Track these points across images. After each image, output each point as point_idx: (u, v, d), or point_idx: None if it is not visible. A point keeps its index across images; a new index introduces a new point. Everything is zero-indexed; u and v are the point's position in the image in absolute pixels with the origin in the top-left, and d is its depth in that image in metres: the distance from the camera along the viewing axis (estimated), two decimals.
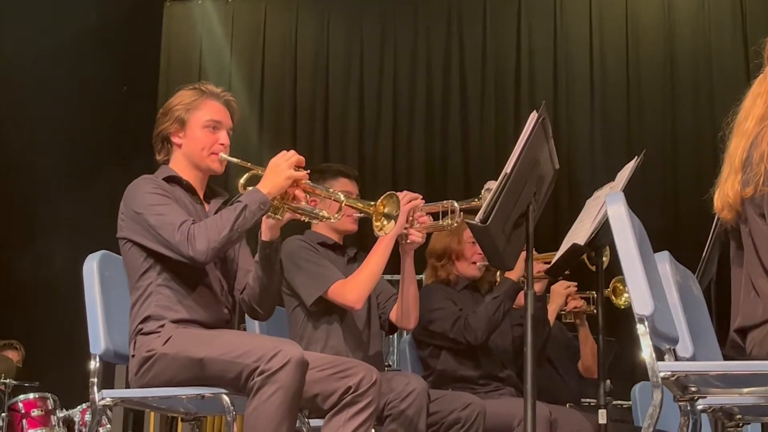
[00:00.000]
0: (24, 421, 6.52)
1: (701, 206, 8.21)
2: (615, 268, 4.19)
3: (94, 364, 3.31)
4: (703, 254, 4.11)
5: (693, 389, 2.84)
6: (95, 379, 3.28)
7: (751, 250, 2.75)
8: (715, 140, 8.27)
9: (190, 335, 3.18)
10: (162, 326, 3.21)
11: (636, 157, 3.66)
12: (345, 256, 4.03)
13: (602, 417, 3.58)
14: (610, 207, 2.82)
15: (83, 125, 8.54)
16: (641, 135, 8.48)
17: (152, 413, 4.98)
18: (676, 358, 2.99)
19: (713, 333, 3.51)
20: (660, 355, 2.84)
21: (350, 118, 8.97)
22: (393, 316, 3.97)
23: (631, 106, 8.60)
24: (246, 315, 3.78)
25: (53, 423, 6.61)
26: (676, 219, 8.19)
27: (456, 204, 3.67)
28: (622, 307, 4.59)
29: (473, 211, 3.78)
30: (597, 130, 8.62)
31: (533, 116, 3.11)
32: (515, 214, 3.18)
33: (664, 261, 3.19)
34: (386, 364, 5.12)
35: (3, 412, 6.45)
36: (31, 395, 6.62)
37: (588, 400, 5.54)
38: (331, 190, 3.40)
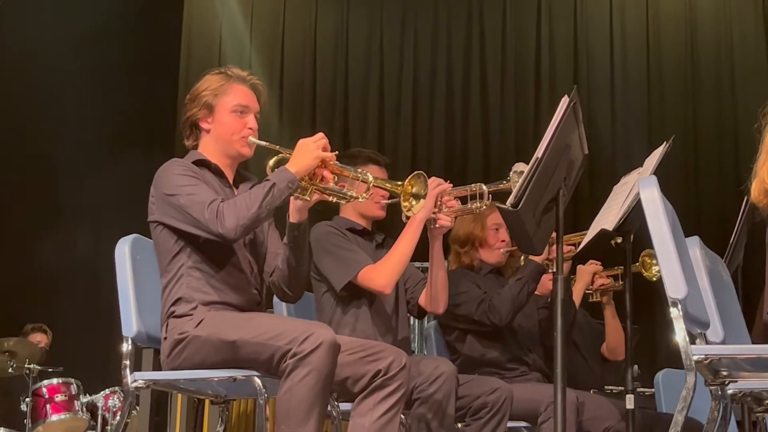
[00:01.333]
0: (48, 405, 6.58)
1: (721, 192, 8.25)
2: (641, 245, 4.20)
3: (126, 347, 3.33)
4: (731, 241, 4.12)
5: (724, 373, 2.85)
6: (127, 362, 3.30)
7: None
8: (737, 126, 8.30)
9: (222, 318, 3.19)
10: (194, 308, 3.23)
11: (665, 143, 3.66)
12: (373, 241, 4.04)
13: (630, 402, 3.59)
14: (643, 191, 2.83)
15: (105, 111, 8.58)
16: (662, 121, 8.49)
17: (179, 396, 5.00)
18: (707, 343, 3.00)
19: (742, 318, 3.52)
20: (691, 339, 2.84)
21: (370, 104, 9.00)
22: (422, 300, 3.97)
23: (651, 93, 8.60)
24: (273, 299, 3.81)
25: (77, 408, 6.66)
26: (698, 203, 8.20)
27: (484, 187, 3.66)
28: (654, 279, 4.56)
29: (501, 194, 3.81)
30: (618, 117, 8.62)
31: (564, 100, 3.11)
32: (545, 199, 3.19)
33: (694, 246, 3.19)
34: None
35: (27, 396, 6.49)
36: (54, 380, 6.68)
37: (611, 387, 5.56)
38: (359, 170, 3.39)
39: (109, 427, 6.68)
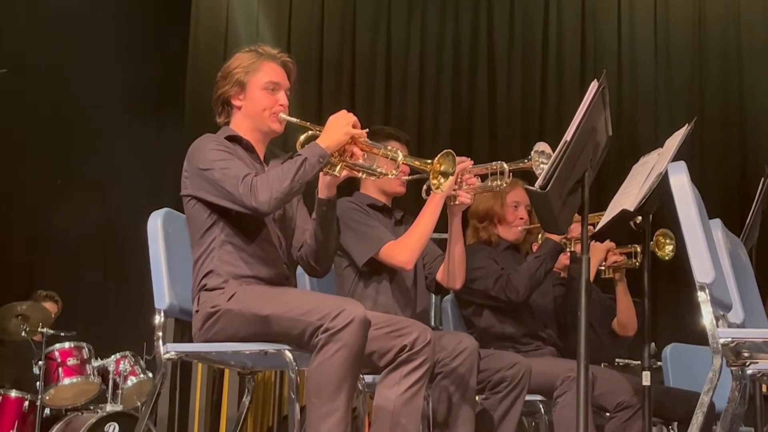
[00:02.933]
0: (60, 369, 6.61)
1: (726, 169, 8.30)
2: (656, 224, 4.27)
3: (158, 319, 3.42)
4: (747, 221, 4.19)
5: (746, 355, 2.93)
6: (160, 333, 3.38)
7: None
8: (743, 103, 8.33)
9: (254, 292, 3.27)
10: (225, 282, 3.30)
11: (687, 125, 3.71)
12: (392, 218, 4.10)
13: (646, 379, 3.66)
14: (672, 176, 2.90)
15: (117, 80, 8.60)
16: (669, 98, 8.54)
17: (200, 365, 5.08)
18: (728, 324, 3.08)
19: (759, 298, 3.61)
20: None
21: (377, 77, 9.00)
22: (439, 276, 4.03)
23: (658, 71, 8.65)
24: (297, 273, 3.88)
25: (88, 372, 6.69)
26: (702, 178, 8.27)
27: (505, 165, 3.73)
28: (666, 258, 4.64)
29: (522, 174, 3.87)
30: (624, 94, 8.68)
31: (594, 85, 3.18)
32: (572, 181, 3.25)
33: (716, 228, 3.27)
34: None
35: (40, 360, 6.55)
36: (66, 344, 6.71)
37: (619, 359, 5.66)
38: (389, 147, 3.45)
39: (120, 391, 6.75)
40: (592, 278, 4.76)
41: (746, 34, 8.50)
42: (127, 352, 6.91)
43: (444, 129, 8.85)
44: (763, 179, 4.16)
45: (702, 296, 2.77)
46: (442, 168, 3.34)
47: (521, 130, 8.76)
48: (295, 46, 9.14)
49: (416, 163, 3.41)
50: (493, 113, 8.81)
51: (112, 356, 6.83)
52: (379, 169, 3.36)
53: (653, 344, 3.74)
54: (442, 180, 3.35)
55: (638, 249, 4.60)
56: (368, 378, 3.63)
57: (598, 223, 4.15)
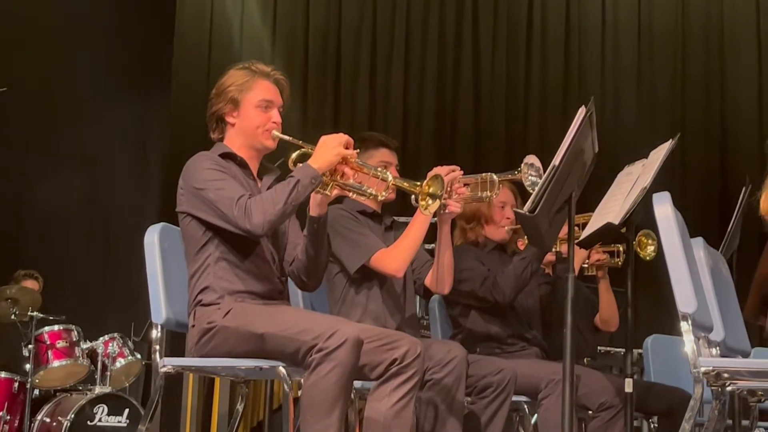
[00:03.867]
0: (49, 352, 6.70)
1: (706, 151, 8.40)
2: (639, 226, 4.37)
3: (156, 333, 3.50)
4: (729, 228, 4.29)
5: (726, 376, 3.04)
6: (158, 347, 3.46)
7: None
8: (723, 77, 8.42)
9: (250, 310, 3.35)
10: (221, 297, 3.39)
11: (671, 140, 3.79)
12: (382, 224, 4.18)
13: (629, 386, 3.76)
14: (657, 207, 3.00)
15: (103, 57, 8.61)
16: (652, 80, 8.63)
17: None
18: (709, 343, 3.19)
19: (738, 309, 3.71)
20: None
21: (362, 56, 9.04)
22: (428, 281, 4.13)
23: (642, 48, 8.72)
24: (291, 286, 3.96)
25: (77, 354, 6.79)
26: (683, 160, 8.38)
27: (495, 177, 3.83)
28: (648, 258, 4.73)
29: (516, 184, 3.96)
30: (607, 71, 8.76)
31: (581, 111, 3.25)
32: (559, 202, 3.34)
33: (698, 247, 3.37)
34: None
35: (29, 343, 6.63)
36: (56, 327, 6.79)
37: (601, 347, 5.78)
38: (379, 169, 3.52)
39: (108, 373, 6.85)
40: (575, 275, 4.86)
41: (728, 15, 8.58)
42: (116, 334, 7.00)
43: (428, 109, 8.92)
44: (744, 188, 4.26)
45: (684, 326, 2.87)
46: (431, 190, 3.41)
47: (504, 108, 8.84)
48: (280, 17, 9.14)
49: (405, 184, 3.48)
50: (477, 94, 8.87)
51: (101, 338, 6.92)
52: (369, 190, 3.44)
53: (635, 351, 3.83)
54: (429, 201, 3.42)
55: (621, 248, 4.69)
56: (357, 383, 3.70)
57: (583, 223, 4.24)
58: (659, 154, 3.88)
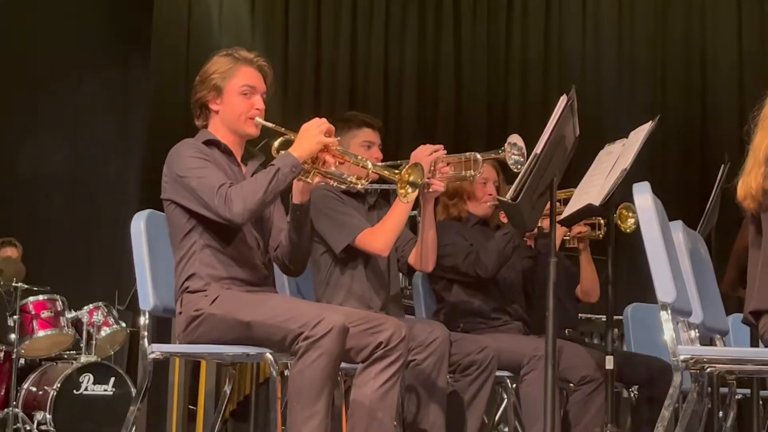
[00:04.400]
0: (34, 321, 6.73)
1: (686, 121, 8.48)
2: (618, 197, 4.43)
3: (143, 320, 3.54)
4: (707, 207, 4.34)
5: (705, 360, 3.10)
6: (146, 333, 3.50)
7: None
8: (704, 47, 8.49)
9: (237, 298, 3.39)
10: (207, 284, 3.42)
11: (651, 121, 3.83)
12: (365, 203, 4.21)
13: (609, 363, 3.83)
14: (637, 197, 3.04)
15: (84, 22, 8.55)
16: (631, 40, 8.66)
17: None
18: (688, 326, 3.26)
19: (717, 288, 3.77)
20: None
21: (343, 20, 9.02)
22: (412, 259, 4.17)
23: (622, 9, 8.75)
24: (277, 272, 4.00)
25: (62, 324, 6.82)
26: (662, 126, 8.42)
27: (478, 156, 3.88)
28: (628, 231, 4.78)
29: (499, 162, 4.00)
30: (588, 33, 8.78)
31: (563, 100, 3.29)
32: (541, 188, 3.39)
33: (677, 231, 3.41)
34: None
35: (15, 314, 6.65)
36: (40, 297, 6.82)
37: (582, 314, 5.86)
38: (359, 157, 3.54)
39: (93, 341, 6.89)
40: (557, 248, 4.91)
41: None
42: (100, 303, 7.04)
43: (411, 71, 8.92)
44: (723, 165, 4.31)
45: (664, 315, 2.93)
46: (411, 178, 3.43)
47: (486, 68, 8.86)
48: None
49: (385, 172, 3.50)
50: (458, 55, 8.87)
51: (85, 307, 6.96)
52: (349, 178, 3.47)
53: (615, 330, 3.90)
54: (409, 190, 3.44)
55: (602, 221, 4.74)
56: (343, 365, 3.75)
57: (564, 198, 4.28)
58: (639, 135, 3.92)
